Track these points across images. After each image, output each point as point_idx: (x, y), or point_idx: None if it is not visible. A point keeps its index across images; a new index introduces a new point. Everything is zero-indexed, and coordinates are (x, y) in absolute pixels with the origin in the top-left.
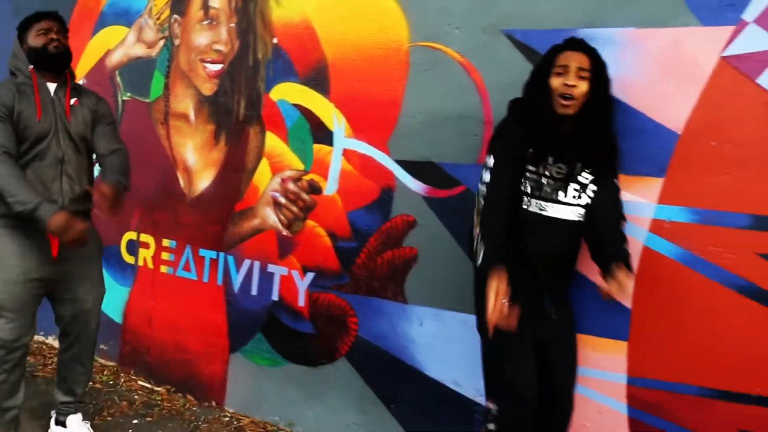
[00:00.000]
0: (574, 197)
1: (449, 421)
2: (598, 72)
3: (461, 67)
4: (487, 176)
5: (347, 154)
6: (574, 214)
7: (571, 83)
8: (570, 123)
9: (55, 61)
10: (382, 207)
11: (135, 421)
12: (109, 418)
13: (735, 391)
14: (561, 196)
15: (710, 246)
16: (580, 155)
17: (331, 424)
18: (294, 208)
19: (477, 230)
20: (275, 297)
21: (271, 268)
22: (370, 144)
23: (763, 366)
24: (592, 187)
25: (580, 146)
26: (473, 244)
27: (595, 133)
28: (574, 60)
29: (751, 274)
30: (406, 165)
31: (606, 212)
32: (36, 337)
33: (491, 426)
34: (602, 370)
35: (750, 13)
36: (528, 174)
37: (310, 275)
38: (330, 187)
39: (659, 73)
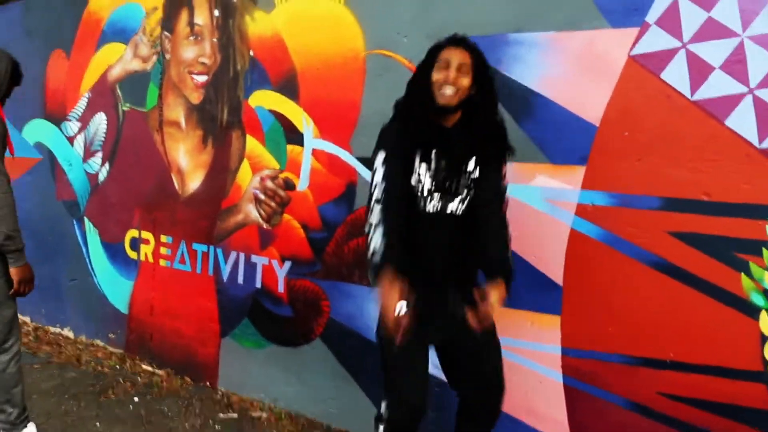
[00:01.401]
0: (462, 190)
1: None
2: (479, 68)
3: (409, 72)
4: (378, 176)
5: (316, 153)
6: (463, 206)
7: (453, 75)
8: (452, 116)
9: None
10: (347, 200)
11: (136, 399)
12: (113, 397)
13: (652, 357)
14: (450, 189)
15: (628, 227)
16: (465, 147)
17: (309, 399)
18: (272, 204)
19: (372, 234)
20: (258, 285)
21: (254, 258)
22: (334, 143)
23: (674, 334)
24: (476, 177)
25: (464, 138)
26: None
27: (481, 124)
28: (456, 56)
29: (663, 251)
30: (365, 161)
31: (488, 202)
32: (52, 329)
33: (381, 427)
34: (540, 343)
35: (652, 16)
36: (418, 171)
37: (288, 264)
38: (302, 184)
39: (577, 71)
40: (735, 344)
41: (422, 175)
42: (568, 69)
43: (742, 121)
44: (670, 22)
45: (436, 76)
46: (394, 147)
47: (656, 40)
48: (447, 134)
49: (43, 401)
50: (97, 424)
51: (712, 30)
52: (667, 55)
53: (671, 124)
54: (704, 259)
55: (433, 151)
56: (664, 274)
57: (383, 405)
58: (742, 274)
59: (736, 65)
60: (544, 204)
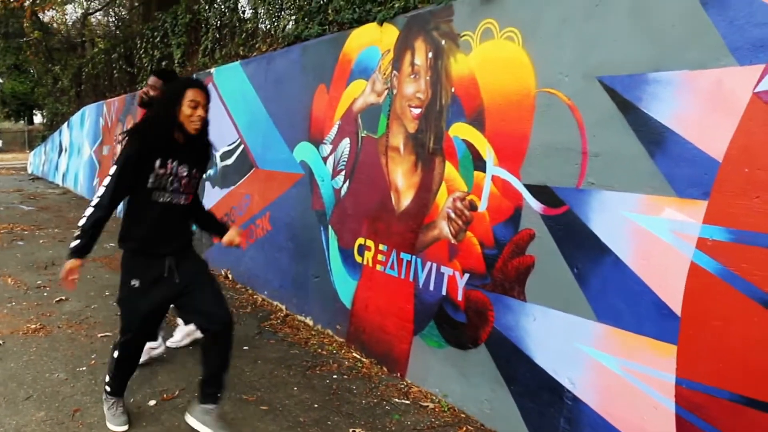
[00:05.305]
0: (186, 188)
1: (545, 402)
2: (208, 103)
3: (568, 108)
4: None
5: (494, 179)
6: (186, 199)
7: (202, 114)
8: (193, 139)
9: None
10: (514, 222)
11: (335, 377)
12: (317, 372)
13: (759, 399)
14: (178, 187)
15: (743, 263)
16: (193, 158)
17: (470, 398)
18: (460, 222)
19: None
20: (444, 292)
21: (443, 269)
22: (508, 171)
23: None
24: (193, 179)
25: (194, 152)
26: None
27: (205, 144)
28: (201, 97)
29: None
30: (530, 188)
31: (199, 197)
32: (298, 316)
33: (115, 353)
34: (657, 369)
35: None
36: (153, 175)
37: (466, 275)
38: (482, 206)
39: (706, 108)
40: None
41: (160, 178)
42: (698, 106)
43: None
44: None
45: (188, 111)
46: (131, 164)
47: None
48: (183, 149)
49: (263, 365)
50: (295, 388)
51: None
52: None
53: None
54: None
55: (170, 160)
56: None
57: (121, 338)
58: None
59: None
60: (670, 235)
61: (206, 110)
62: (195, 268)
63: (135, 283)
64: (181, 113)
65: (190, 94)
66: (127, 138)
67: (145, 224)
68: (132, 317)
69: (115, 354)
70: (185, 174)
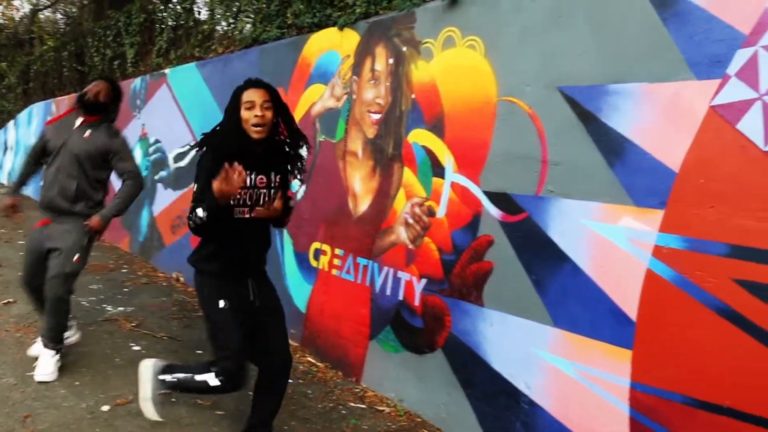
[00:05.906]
0: (268, 200)
1: (502, 406)
2: (276, 101)
3: (529, 117)
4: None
5: (453, 185)
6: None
7: (259, 114)
8: (263, 144)
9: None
10: (473, 228)
11: (290, 381)
12: None
13: (711, 402)
14: (261, 200)
15: (696, 270)
16: (272, 165)
17: (426, 402)
18: (417, 227)
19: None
20: (401, 297)
21: (400, 274)
22: (467, 178)
23: (731, 381)
24: (276, 189)
25: (272, 159)
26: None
27: (282, 148)
28: (257, 96)
29: (727, 297)
30: (489, 195)
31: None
32: None
33: (212, 381)
34: (612, 374)
35: (733, 67)
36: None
37: (424, 281)
38: (441, 212)
39: (664, 120)
40: None
41: (242, 193)
42: (657, 118)
43: None
44: (749, 73)
45: (246, 115)
46: (211, 173)
47: (735, 91)
48: (260, 158)
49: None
50: (250, 392)
51: None
52: (744, 106)
53: (743, 174)
54: (765, 309)
55: (248, 172)
56: (726, 321)
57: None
58: None
59: None
60: (627, 243)
61: (268, 108)
62: (270, 297)
63: (223, 303)
64: (243, 120)
65: (245, 96)
66: (200, 150)
67: (229, 244)
68: (231, 339)
69: (212, 382)
70: (264, 185)
